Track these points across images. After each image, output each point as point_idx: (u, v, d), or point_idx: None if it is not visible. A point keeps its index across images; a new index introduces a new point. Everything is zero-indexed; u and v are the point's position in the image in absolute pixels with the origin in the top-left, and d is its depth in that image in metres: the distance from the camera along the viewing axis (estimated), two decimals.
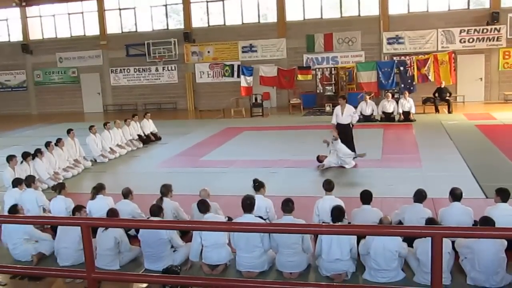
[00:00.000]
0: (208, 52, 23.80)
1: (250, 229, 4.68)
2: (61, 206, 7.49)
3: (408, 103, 16.61)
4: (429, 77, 18.45)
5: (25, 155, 10.00)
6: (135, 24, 24.77)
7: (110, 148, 12.95)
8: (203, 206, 6.31)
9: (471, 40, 21.01)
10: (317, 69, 21.27)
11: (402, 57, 20.15)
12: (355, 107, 12.45)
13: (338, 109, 11.23)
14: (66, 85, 25.95)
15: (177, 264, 5.88)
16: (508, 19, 20.62)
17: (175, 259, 6.06)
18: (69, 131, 12.16)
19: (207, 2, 23.65)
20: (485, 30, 20.80)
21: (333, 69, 20.88)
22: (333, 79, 20.47)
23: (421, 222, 5.80)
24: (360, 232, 4.61)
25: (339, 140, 10.56)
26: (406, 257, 5.67)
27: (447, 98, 17.91)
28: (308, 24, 22.54)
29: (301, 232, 5.09)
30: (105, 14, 24.81)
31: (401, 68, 18.48)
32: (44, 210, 7.93)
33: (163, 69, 24.48)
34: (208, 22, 23.86)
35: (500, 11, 20.50)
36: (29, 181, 8.17)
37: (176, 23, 24.56)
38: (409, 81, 18.44)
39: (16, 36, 26.46)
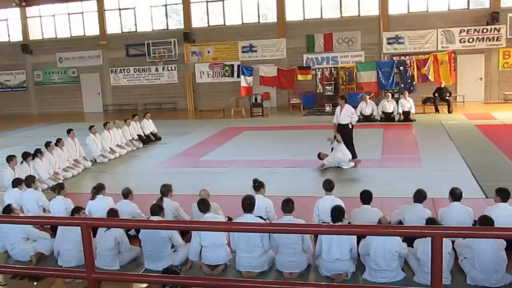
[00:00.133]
0: (208, 52, 23.80)
1: (250, 229, 4.68)
2: (60, 206, 7.49)
3: (408, 103, 16.61)
4: (429, 77, 18.44)
5: (25, 155, 10.00)
6: (135, 24, 24.77)
7: (110, 148, 12.95)
8: (203, 205, 6.29)
9: (471, 40, 21.02)
10: (317, 69, 21.28)
11: (402, 57, 20.14)
12: (355, 107, 12.45)
13: (338, 109, 11.26)
14: (66, 85, 25.95)
15: (177, 264, 5.88)
16: (508, 19, 20.62)
17: (175, 259, 6.06)
18: (69, 131, 12.16)
19: (207, 2, 23.64)
20: (485, 30, 20.81)
21: (333, 69, 20.89)
22: (332, 79, 20.47)
23: (421, 222, 5.80)
24: (360, 232, 4.61)
25: (342, 143, 10.59)
26: (406, 257, 5.68)
27: (447, 98, 17.91)
28: (308, 24, 22.53)
29: (301, 232, 5.09)
30: (105, 14, 24.80)
31: (401, 68, 18.47)
32: (44, 210, 7.93)
33: (163, 69, 24.47)
34: (208, 22, 23.86)
35: (500, 11, 20.50)
36: (29, 181, 8.16)
37: (176, 23, 24.55)
38: (409, 81, 18.43)
39: (16, 36, 26.46)
